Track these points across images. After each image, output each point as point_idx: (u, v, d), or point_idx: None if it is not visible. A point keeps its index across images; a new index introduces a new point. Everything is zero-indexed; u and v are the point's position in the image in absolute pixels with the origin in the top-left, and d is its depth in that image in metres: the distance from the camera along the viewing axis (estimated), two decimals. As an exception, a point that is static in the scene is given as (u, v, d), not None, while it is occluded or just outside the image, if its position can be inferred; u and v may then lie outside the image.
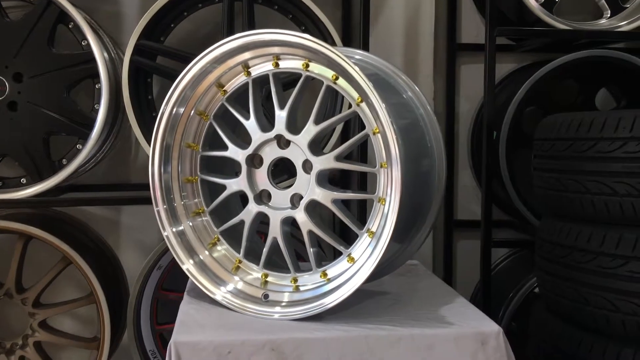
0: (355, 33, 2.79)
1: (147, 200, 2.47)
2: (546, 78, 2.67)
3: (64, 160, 2.47)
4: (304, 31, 2.52)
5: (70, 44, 2.51)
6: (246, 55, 1.75)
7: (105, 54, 2.46)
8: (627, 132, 1.79)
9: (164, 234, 1.83)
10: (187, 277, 1.90)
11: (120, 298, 2.72)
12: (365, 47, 2.50)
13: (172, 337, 1.53)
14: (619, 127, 1.81)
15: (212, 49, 1.75)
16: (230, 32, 2.47)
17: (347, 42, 2.78)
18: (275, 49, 1.72)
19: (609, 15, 2.73)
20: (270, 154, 1.77)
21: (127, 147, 2.87)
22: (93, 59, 2.38)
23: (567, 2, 2.90)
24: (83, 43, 2.43)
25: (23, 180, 2.47)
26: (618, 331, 1.86)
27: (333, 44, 2.45)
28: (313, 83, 1.76)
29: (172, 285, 2.61)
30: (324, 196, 1.70)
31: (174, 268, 2.53)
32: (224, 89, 1.83)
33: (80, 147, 2.44)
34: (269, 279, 1.79)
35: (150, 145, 2.36)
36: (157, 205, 1.84)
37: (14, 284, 2.54)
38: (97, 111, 2.41)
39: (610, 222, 1.87)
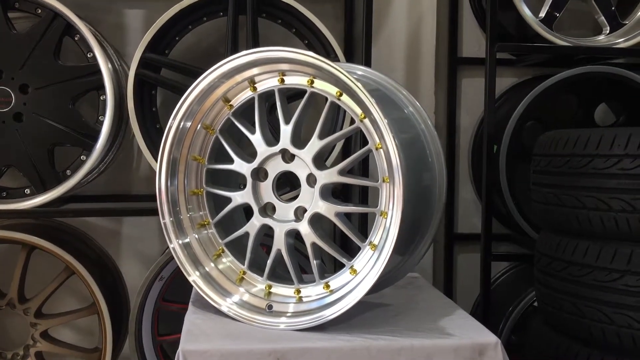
0: (357, 46, 2.90)
1: (149, 212, 2.60)
2: (546, 93, 2.78)
3: (68, 171, 2.57)
4: (307, 45, 2.64)
5: (75, 56, 2.61)
6: (254, 71, 1.85)
7: (110, 66, 2.56)
8: (621, 150, 1.90)
9: (171, 246, 1.92)
10: (189, 289, 2.00)
11: (121, 309, 2.81)
12: (368, 62, 2.61)
13: (180, 346, 1.63)
14: (614, 145, 1.92)
15: (221, 65, 1.85)
16: (235, 46, 2.58)
17: (349, 55, 2.89)
18: (283, 66, 1.82)
19: (608, 32, 2.85)
20: (275, 167, 1.87)
21: (129, 158, 2.97)
22: (98, 71, 2.49)
23: (568, 18, 3.03)
24: (88, 55, 2.54)
25: (27, 191, 2.56)
26: (614, 343, 1.96)
27: (336, 58, 2.56)
28: (317, 98, 1.86)
29: (173, 296, 2.70)
30: (328, 209, 1.80)
31: (176, 279, 2.63)
32: (230, 103, 1.93)
33: (85, 158, 2.54)
34: (272, 290, 1.88)
35: (154, 158, 2.49)
36: (163, 218, 1.93)
37: (16, 294, 2.62)
38: (101, 123, 2.51)
39: (606, 237, 1.97)
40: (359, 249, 1.80)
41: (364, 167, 2.66)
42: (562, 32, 2.83)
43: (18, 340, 2.80)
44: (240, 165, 1.89)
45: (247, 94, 1.91)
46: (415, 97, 2.05)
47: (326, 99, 1.80)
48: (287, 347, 1.64)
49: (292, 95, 2.36)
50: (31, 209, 2.53)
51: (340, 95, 1.78)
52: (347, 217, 1.85)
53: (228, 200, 1.93)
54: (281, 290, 1.88)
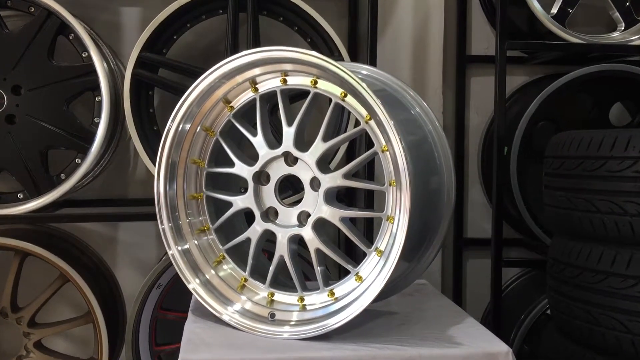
0: (362, 44, 2.93)
1: (147, 217, 2.62)
2: (558, 92, 2.80)
3: (62, 174, 2.59)
4: (310, 44, 2.66)
5: (70, 56, 2.64)
6: (255, 71, 1.87)
7: (106, 66, 2.58)
8: (637, 152, 1.92)
9: (170, 252, 1.94)
10: (188, 297, 2.02)
11: (117, 317, 2.83)
12: (373, 61, 2.63)
13: (180, 356, 1.64)
14: (629, 146, 1.93)
15: (221, 65, 1.86)
16: (235, 45, 2.60)
17: (354, 53, 2.92)
18: (285, 66, 1.84)
19: (622, 29, 2.87)
20: (278, 170, 1.89)
21: (125, 161, 2.99)
22: (93, 71, 2.52)
23: (581, 14, 3.04)
24: (83, 55, 2.56)
25: (20, 196, 2.59)
26: (629, 352, 1.97)
27: (340, 57, 2.58)
28: (321, 99, 1.88)
29: (171, 304, 2.72)
30: (332, 214, 1.81)
31: (174, 287, 2.65)
32: (230, 104, 1.95)
33: (80, 161, 2.56)
34: (275, 298, 1.90)
35: (152, 161, 2.51)
36: (162, 224, 1.94)
37: (9, 302, 2.64)
38: (96, 124, 2.54)
39: (621, 242, 1.99)
40: (364, 255, 1.82)
41: (369, 170, 2.68)
42: (575, 29, 2.84)
43: (10, 350, 2.82)
44: (241, 169, 1.91)
45: (249, 95, 1.93)
46: (423, 97, 2.07)
47: (330, 100, 1.82)
48: (290, 357, 1.65)
49: (294, 95, 2.38)
50: (24, 214, 2.55)
51: (345, 96, 1.80)
52: (352, 222, 1.86)
53: (229, 204, 1.95)
54: (284, 298, 1.90)
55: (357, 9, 2.96)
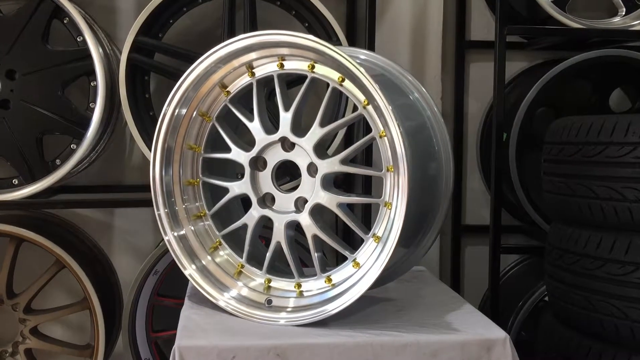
0: (360, 29, 2.91)
1: (143, 203, 2.62)
2: (558, 78, 2.79)
3: (57, 160, 2.59)
4: (307, 28, 2.64)
5: (64, 40, 2.62)
6: (252, 55, 1.86)
7: (101, 50, 2.57)
8: (636, 137, 1.92)
9: (166, 238, 1.94)
10: (185, 283, 2.02)
11: (114, 304, 2.84)
12: (371, 46, 2.62)
13: (176, 342, 1.65)
14: (628, 132, 1.93)
15: (217, 49, 1.85)
16: (231, 29, 2.58)
17: (352, 39, 2.90)
18: (282, 50, 1.83)
19: (623, 13, 2.85)
20: (275, 156, 1.88)
21: (121, 147, 2.98)
22: (89, 56, 2.51)
23: (581, -1, 3.04)
24: (78, 39, 2.55)
25: (15, 181, 2.59)
26: (627, 339, 1.98)
27: (338, 42, 2.56)
28: (318, 84, 1.87)
29: (168, 291, 2.72)
30: (329, 200, 1.81)
31: (171, 273, 2.65)
32: (227, 89, 1.94)
33: (75, 147, 2.56)
34: (272, 284, 1.90)
35: (148, 147, 2.50)
36: (158, 209, 1.94)
37: (4, 289, 2.64)
38: (92, 110, 2.53)
39: (620, 228, 1.99)
40: (362, 241, 1.82)
41: (367, 155, 2.67)
42: (576, 14, 2.83)
43: (6, 337, 2.83)
44: (237, 154, 1.90)
45: (245, 79, 1.92)
46: (421, 83, 2.07)
47: (328, 84, 1.81)
48: (287, 343, 1.66)
49: (292, 80, 2.37)
50: (19, 200, 2.55)
51: (343, 80, 1.80)
52: (349, 208, 1.86)
53: (225, 190, 1.94)
54: (281, 284, 1.90)
55: (356, -7, 2.95)
